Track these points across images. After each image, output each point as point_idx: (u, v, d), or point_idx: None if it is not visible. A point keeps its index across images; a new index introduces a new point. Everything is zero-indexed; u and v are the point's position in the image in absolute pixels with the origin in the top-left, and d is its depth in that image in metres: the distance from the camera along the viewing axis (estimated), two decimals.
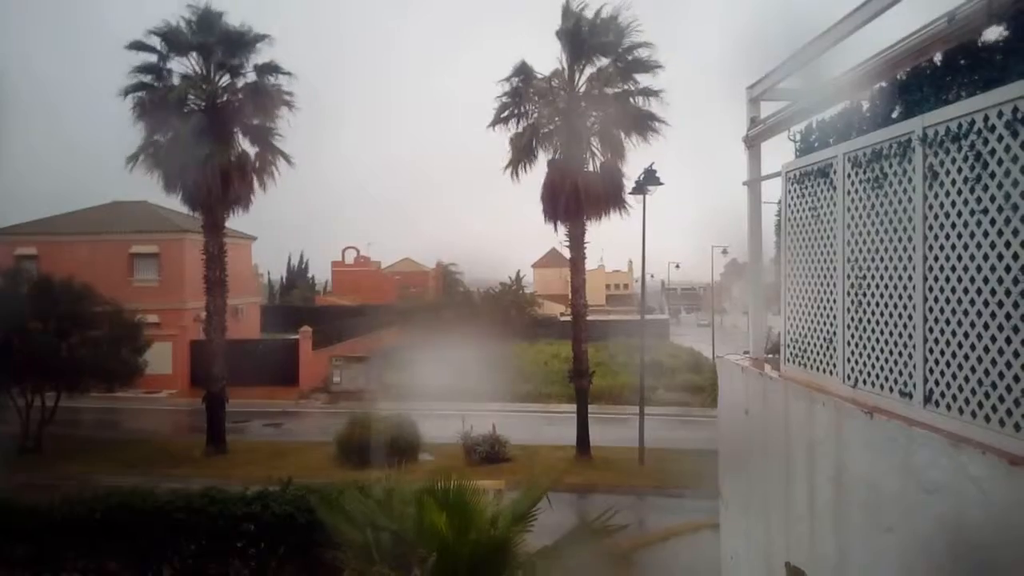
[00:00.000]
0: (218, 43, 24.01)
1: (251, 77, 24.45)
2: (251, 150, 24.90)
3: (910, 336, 4.39)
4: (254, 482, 12.36)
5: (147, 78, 23.80)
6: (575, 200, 22.72)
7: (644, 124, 22.93)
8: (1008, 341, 3.55)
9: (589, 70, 23.23)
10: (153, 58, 23.87)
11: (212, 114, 23.84)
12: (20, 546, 10.42)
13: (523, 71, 23.33)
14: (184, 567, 10.45)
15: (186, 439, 25.82)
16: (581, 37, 22.64)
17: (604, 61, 23.05)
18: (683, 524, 16.35)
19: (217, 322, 24.76)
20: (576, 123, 23.01)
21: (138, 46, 23.54)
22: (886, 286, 4.65)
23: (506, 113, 23.54)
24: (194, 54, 24.15)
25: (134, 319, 25.83)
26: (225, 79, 24.51)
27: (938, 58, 4.53)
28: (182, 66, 24.23)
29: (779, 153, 6.81)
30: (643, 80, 23.07)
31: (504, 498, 7.98)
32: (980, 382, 3.77)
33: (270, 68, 24.40)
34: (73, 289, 23.84)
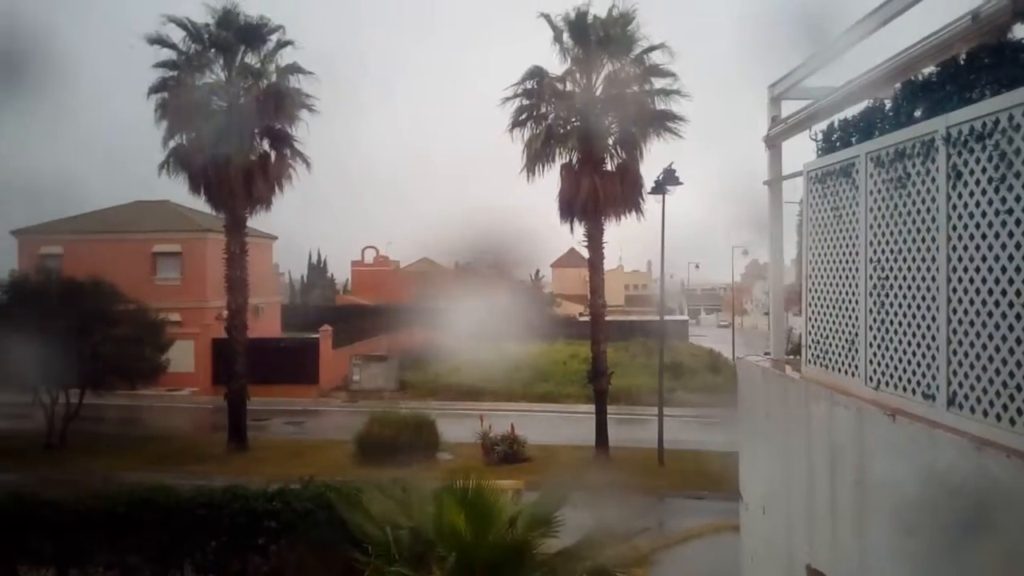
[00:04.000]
0: (238, 40, 24.19)
1: (273, 77, 24.67)
2: (272, 151, 25.13)
3: (933, 337, 4.34)
4: (275, 479, 12.45)
5: (170, 80, 24.05)
6: (592, 201, 22.66)
7: (662, 123, 22.84)
8: None
9: (605, 70, 23.19)
10: (174, 58, 24.10)
11: (234, 115, 24.03)
12: (45, 540, 10.56)
13: (538, 73, 23.31)
14: (205, 562, 10.53)
15: (208, 436, 26.06)
16: (597, 37, 22.59)
17: (620, 61, 22.99)
18: (703, 525, 16.28)
19: (238, 321, 24.97)
20: (593, 123, 22.93)
21: (161, 41, 23.76)
22: (909, 287, 4.61)
23: (523, 116, 23.52)
24: (214, 51, 24.34)
25: (156, 317, 26.11)
26: (247, 80, 24.72)
27: (962, 56, 4.48)
28: (205, 67, 24.46)
29: (800, 152, 6.77)
30: (660, 80, 23.01)
31: (523, 498, 7.99)
32: (1004, 384, 3.72)
33: (292, 68, 24.63)
34: (97, 288, 24.13)
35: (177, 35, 24.05)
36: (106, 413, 27.25)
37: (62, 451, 23.00)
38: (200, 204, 25.83)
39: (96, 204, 39.58)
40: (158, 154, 24.14)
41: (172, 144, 24.07)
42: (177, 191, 25.59)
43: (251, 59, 24.67)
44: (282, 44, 24.71)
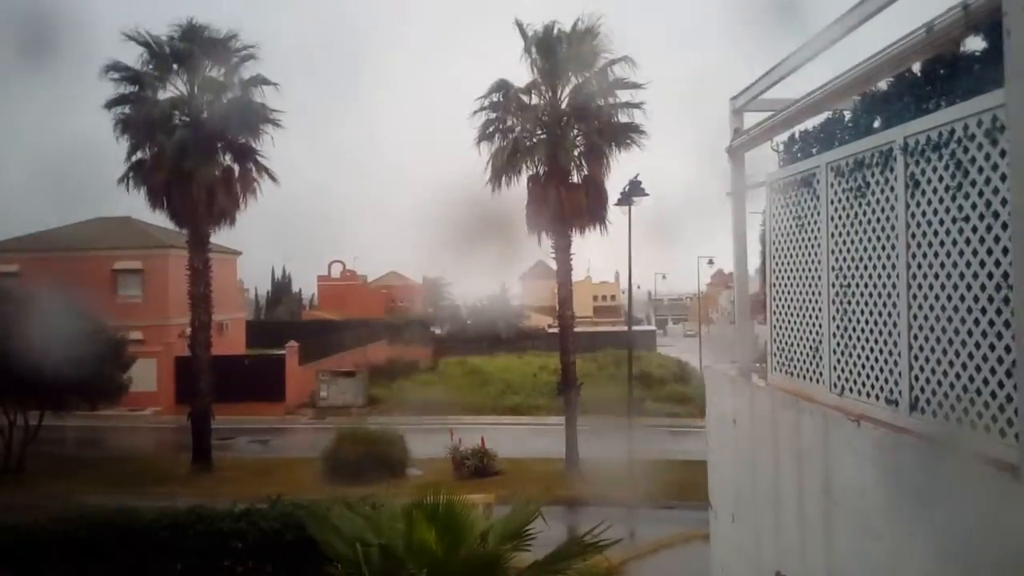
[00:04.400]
0: (202, 54, 23.95)
1: (236, 92, 24.44)
2: (236, 165, 24.85)
3: (895, 343, 4.42)
4: (241, 499, 12.23)
5: (131, 94, 23.70)
6: (559, 213, 22.79)
7: (626, 136, 23.06)
8: (992, 347, 3.58)
9: (571, 83, 23.39)
10: (134, 74, 23.77)
11: (197, 129, 23.75)
12: (2, 568, 10.25)
13: (503, 86, 23.43)
14: None
15: (171, 457, 25.54)
16: (562, 51, 22.79)
17: (585, 74, 23.21)
18: (674, 535, 16.32)
19: (202, 338, 24.58)
20: (559, 136, 23.08)
21: (118, 67, 23.48)
22: (870, 294, 4.69)
23: (490, 129, 23.60)
24: (177, 66, 24.08)
25: (118, 336, 25.60)
26: (211, 94, 24.45)
27: (918, 68, 4.59)
28: (166, 80, 24.18)
29: (763, 163, 6.87)
30: (625, 92, 23.25)
31: (494, 512, 7.95)
32: (965, 388, 3.79)
33: (256, 80, 24.41)
34: (55, 306, 23.60)
35: (138, 52, 23.78)
36: (66, 435, 26.60)
37: (20, 475, 22.40)
38: (163, 220, 25.49)
39: (55, 221, 38.86)
40: (119, 169, 23.83)
41: (133, 159, 23.76)
42: (140, 207, 25.21)
43: (215, 73, 24.42)
44: (246, 57, 24.49)
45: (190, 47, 23.80)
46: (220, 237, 26.69)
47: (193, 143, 23.27)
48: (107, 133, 23.41)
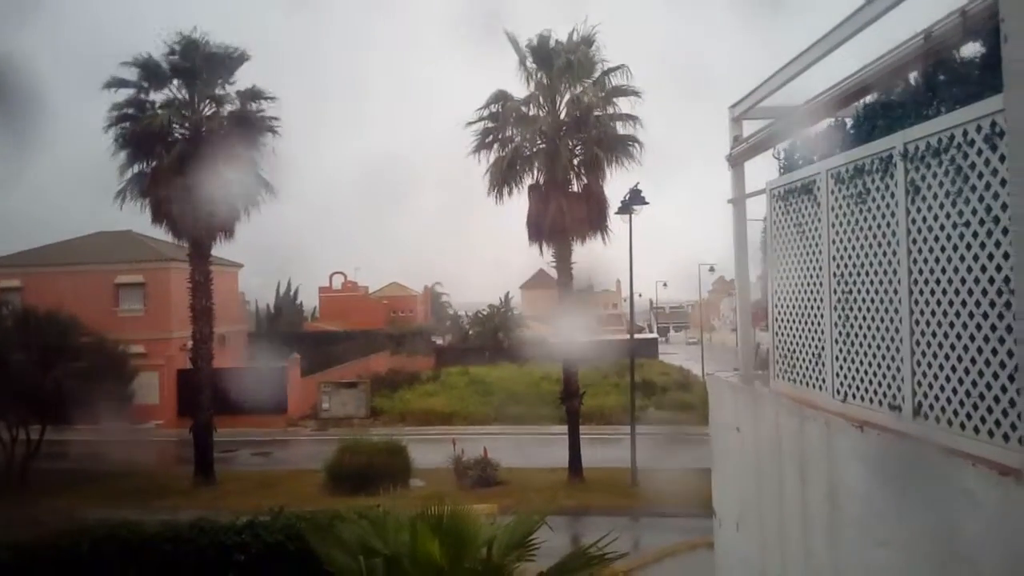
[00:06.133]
0: (200, 68, 24.06)
1: (235, 104, 24.55)
2: (236, 178, 24.88)
3: (898, 349, 4.41)
4: (244, 512, 12.19)
5: (130, 108, 23.83)
6: (559, 222, 22.83)
7: (625, 147, 23.12)
8: (994, 352, 3.58)
9: (569, 93, 23.46)
10: (135, 87, 23.90)
11: (196, 143, 23.85)
12: None
13: (502, 96, 23.52)
14: None
15: (174, 470, 25.51)
16: (559, 62, 22.88)
17: (583, 84, 23.30)
18: (678, 544, 16.27)
19: (204, 351, 24.60)
20: (558, 146, 23.14)
21: (119, 83, 23.64)
22: (872, 300, 4.69)
23: (489, 139, 23.66)
24: (176, 82, 24.21)
25: (120, 350, 25.62)
26: (209, 108, 24.56)
27: (917, 75, 4.60)
28: (165, 95, 24.33)
29: (764, 170, 6.88)
30: (623, 103, 23.34)
31: (496, 522, 7.91)
32: (968, 393, 3.79)
33: (253, 94, 24.54)
34: (58, 320, 23.63)
35: (138, 69, 23.89)
36: (68, 449, 26.55)
37: (22, 490, 22.34)
38: (163, 233, 25.54)
39: (57, 235, 38.94)
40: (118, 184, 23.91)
41: (132, 172, 23.83)
42: (141, 221, 25.29)
43: (213, 87, 24.52)
44: (241, 60, 24.54)
45: (188, 60, 23.94)
46: (223, 250, 26.76)
47: (192, 156, 23.34)
48: (108, 145, 23.53)
